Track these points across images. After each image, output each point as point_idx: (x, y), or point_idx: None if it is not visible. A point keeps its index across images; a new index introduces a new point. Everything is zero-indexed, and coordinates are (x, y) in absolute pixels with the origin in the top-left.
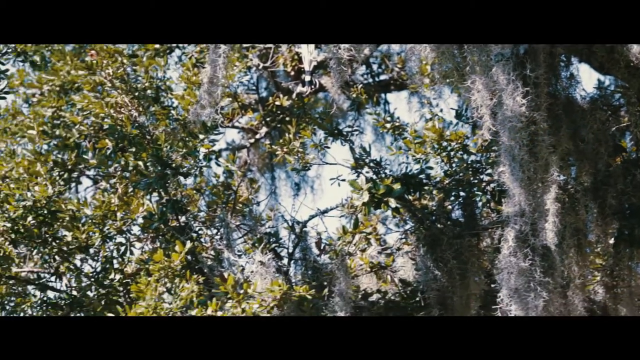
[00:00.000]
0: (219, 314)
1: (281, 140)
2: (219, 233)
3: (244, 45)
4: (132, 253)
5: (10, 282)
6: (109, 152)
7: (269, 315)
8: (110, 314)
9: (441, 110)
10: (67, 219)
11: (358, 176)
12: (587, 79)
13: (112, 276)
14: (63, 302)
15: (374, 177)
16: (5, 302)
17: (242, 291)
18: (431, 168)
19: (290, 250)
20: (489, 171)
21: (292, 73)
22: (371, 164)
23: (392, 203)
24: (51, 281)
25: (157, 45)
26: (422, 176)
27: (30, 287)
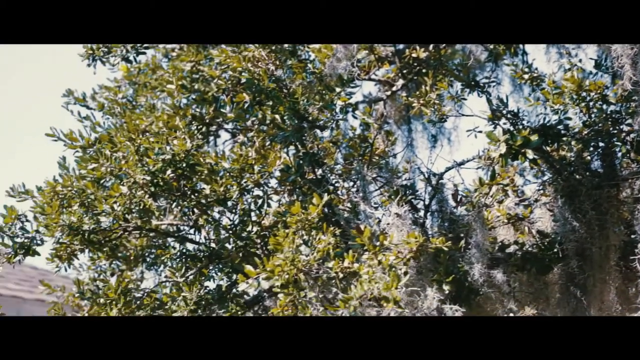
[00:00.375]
0: (356, 266)
1: (418, 92)
2: (355, 185)
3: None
4: (269, 206)
5: (151, 234)
6: (246, 105)
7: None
8: (248, 266)
9: (580, 61)
10: (206, 172)
11: (495, 127)
12: None
13: (249, 228)
14: (202, 254)
15: (511, 128)
16: (146, 254)
17: (378, 243)
18: (570, 119)
19: (427, 202)
20: (629, 121)
21: None
22: (508, 115)
23: (530, 154)
24: (190, 234)
25: None
26: (560, 127)
27: (170, 240)
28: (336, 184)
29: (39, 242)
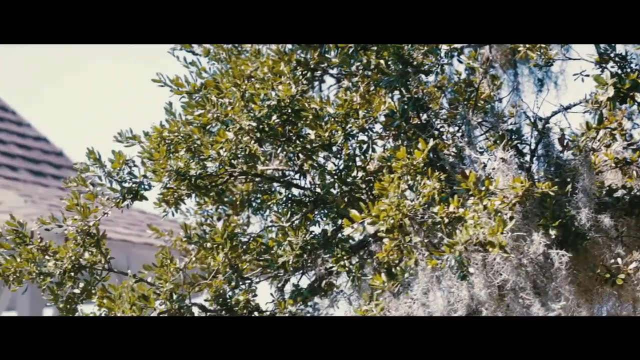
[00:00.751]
0: (461, 210)
1: None
2: (460, 130)
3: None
4: (374, 151)
5: (256, 179)
6: (350, 50)
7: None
8: (353, 211)
9: None
10: (311, 117)
11: (602, 71)
12: None
13: (354, 173)
14: (307, 199)
15: (619, 71)
16: (252, 199)
17: (483, 188)
18: None
19: (533, 147)
20: None
21: None
22: (616, 59)
23: (638, 97)
24: (295, 179)
25: None
26: None
27: (275, 185)
28: (441, 129)
29: (146, 186)
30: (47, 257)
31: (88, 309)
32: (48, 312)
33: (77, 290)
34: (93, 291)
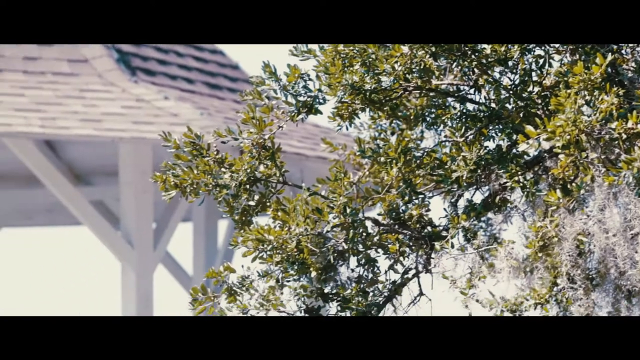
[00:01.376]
0: None
1: None
2: None
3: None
4: (550, 65)
5: (431, 94)
6: None
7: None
8: (529, 127)
9: None
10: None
11: None
12: None
13: (530, 89)
14: (482, 114)
15: None
16: (426, 113)
17: None
18: None
19: None
20: None
21: None
22: None
23: None
24: (470, 93)
25: None
26: None
27: (449, 99)
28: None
29: (321, 100)
30: (223, 169)
31: (263, 221)
32: (223, 223)
33: (252, 203)
34: (268, 204)
